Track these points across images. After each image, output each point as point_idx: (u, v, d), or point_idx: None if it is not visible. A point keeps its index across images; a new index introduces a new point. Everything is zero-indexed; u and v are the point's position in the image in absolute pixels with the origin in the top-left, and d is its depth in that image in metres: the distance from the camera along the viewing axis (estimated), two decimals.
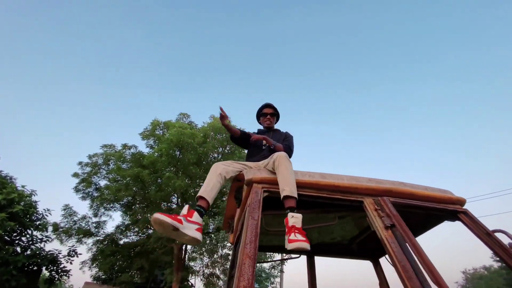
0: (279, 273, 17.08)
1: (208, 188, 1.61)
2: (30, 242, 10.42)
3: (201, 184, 14.21)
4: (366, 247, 2.57)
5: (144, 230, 13.55)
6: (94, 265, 12.72)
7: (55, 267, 10.72)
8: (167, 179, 10.67)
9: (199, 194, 1.59)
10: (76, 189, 12.93)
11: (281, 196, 1.49)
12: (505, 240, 1.58)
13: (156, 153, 12.04)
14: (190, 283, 14.03)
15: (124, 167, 12.74)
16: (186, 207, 1.48)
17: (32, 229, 10.34)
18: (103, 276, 13.84)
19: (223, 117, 2.08)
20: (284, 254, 2.92)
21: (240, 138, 2.31)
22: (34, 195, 10.67)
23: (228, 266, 14.44)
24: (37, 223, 10.54)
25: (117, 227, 13.50)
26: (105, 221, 13.39)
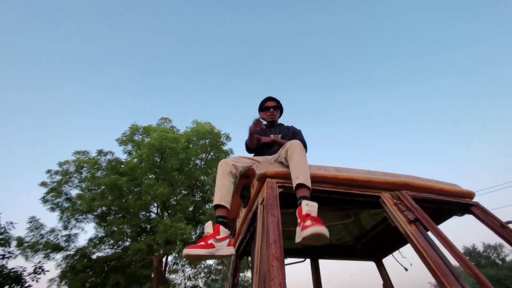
0: None
1: (224, 193, 1.46)
2: None
3: (183, 191, 13.71)
4: (370, 247, 2.50)
5: (120, 242, 12.73)
6: (63, 282, 11.66)
7: (19, 286, 9.69)
8: (147, 187, 10.15)
9: (216, 203, 1.44)
10: (44, 200, 11.92)
11: (294, 186, 1.33)
12: None
13: (135, 159, 11.44)
14: None
15: (98, 175, 11.97)
16: (209, 224, 1.36)
17: None
18: None
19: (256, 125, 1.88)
20: (288, 258, 2.77)
21: (255, 149, 2.08)
22: None
23: (211, 278, 13.87)
24: None
25: (90, 240, 12.57)
26: (76, 234, 12.50)
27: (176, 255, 11.83)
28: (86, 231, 13.02)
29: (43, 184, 11.93)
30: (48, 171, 12.15)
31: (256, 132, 2.01)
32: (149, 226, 12.48)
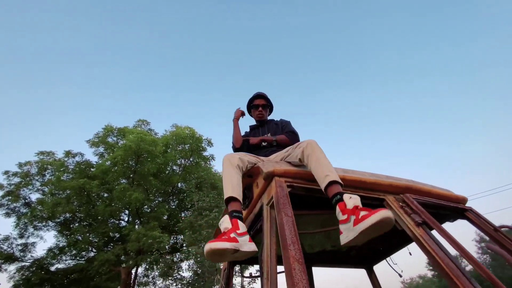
0: None
1: (235, 184, 1.34)
2: None
3: (159, 199, 13.04)
4: (362, 254, 2.49)
5: (84, 253, 11.70)
6: None
7: None
8: (121, 192, 9.50)
9: (228, 195, 1.31)
10: None
11: (324, 184, 1.24)
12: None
13: (108, 162, 10.72)
14: None
15: (64, 178, 11.03)
16: (226, 218, 1.20)
17: None
18: None
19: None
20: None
21: (241, 148, 2.02)
22: None
23: None
24: None
25: (50, 250, 11.40)
26: (34, 242, 11.33)
27: (147, 266, 11.11)
28: (46, 240, 11.84)
29: None
30: (6, 172, 10.98)
31: (240, 117, 2.14)
32: (118, 235, 11.65)
